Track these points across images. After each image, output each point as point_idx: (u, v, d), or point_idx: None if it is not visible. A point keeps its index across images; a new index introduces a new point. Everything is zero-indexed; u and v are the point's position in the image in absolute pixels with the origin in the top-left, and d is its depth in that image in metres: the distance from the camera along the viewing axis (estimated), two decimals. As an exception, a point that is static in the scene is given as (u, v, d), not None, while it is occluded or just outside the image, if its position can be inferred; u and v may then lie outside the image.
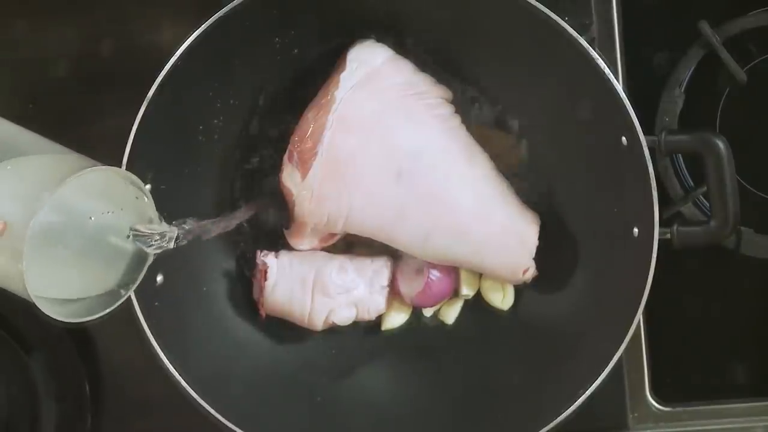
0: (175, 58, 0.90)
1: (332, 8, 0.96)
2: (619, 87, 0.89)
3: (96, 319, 0.81)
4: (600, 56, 0.90)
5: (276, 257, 0.98)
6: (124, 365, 1.06)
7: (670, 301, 1.01)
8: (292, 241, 0.99)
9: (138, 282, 0.84)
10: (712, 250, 0.99)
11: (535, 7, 0.90)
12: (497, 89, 1.00)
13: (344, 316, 0.99)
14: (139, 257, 0.83)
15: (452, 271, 1.00)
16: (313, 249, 0.99)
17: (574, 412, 0.90)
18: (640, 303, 0.89)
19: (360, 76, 0.94)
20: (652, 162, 0.89)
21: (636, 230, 0.91)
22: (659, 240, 0.89)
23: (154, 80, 0.90)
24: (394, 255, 1.00)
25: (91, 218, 0.81)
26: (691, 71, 1.04)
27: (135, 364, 1.03)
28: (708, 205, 0.95)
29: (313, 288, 0.97)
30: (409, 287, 1.00)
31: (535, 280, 0.98)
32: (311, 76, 0.98)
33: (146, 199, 0.82)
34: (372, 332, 1.02)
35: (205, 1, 0.92)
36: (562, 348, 0.96)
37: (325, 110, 0.93)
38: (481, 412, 0.96)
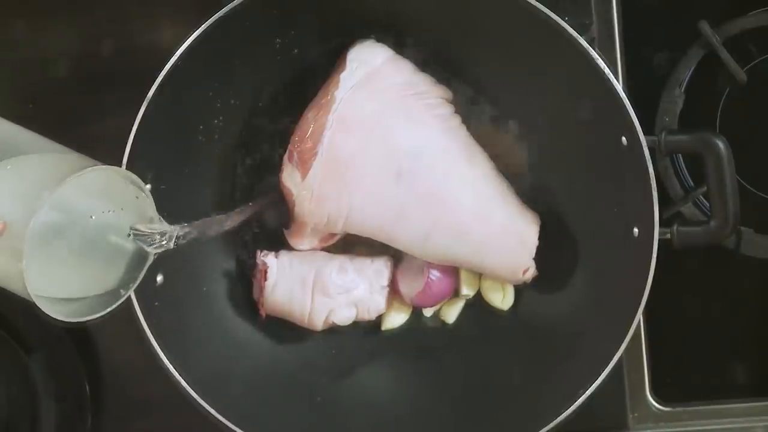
0: (175, 58, 0.90)
1: (332, 8, 0.96)
2: (619, 87, 0.89)
3: (96, 318, 0.81)
4: (600, 56, 0.90)
5: (276, 257, 0.98)
6: (124, 365, 1.06)
7: (670, 301, 1.01)
8: (292, 241, 0.99)
9: (138, 281, 0.84)
10: (712, 250, 0.99)
11: (535, 7, 0.90)
12: (497, 89, 1.00)
13: (344, 316, 0.99)
14: (140, 257, 0.83)
15: (452, 271, 1.00)
16: (313, 249, 0.99)
17: (574, 412, 0.90)
18: (640, 303, 0.89)
19: (360, 76, 0.94)
20: (652, 162, 0.89)
21: (636, 230, 0.91)
22: (659, 240, 0.89)
23: (154, 80, 0.90)
24: (394, 255, 1.00)
25: (91, 217, 0.81)
26: (691, 71, 1.04)
27: (135, 364, 1.03)
28: (708, 205, 0.95)
29: (313, 288, 0.97)
30: (409, 287, 1.00)
31: (535, 280, 0.98)
32: (311, 76, 0.98)
33: (146, 198, 0.82)
34: (372, 332, 1.02)
35: (205, 1, 0.92)
36: (562, 348, 0.96)
37: (325, 110, 0.93)
38: (482, 412, 0.96)
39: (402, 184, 0.94)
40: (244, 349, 1.00)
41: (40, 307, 0.76)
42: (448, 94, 0.98)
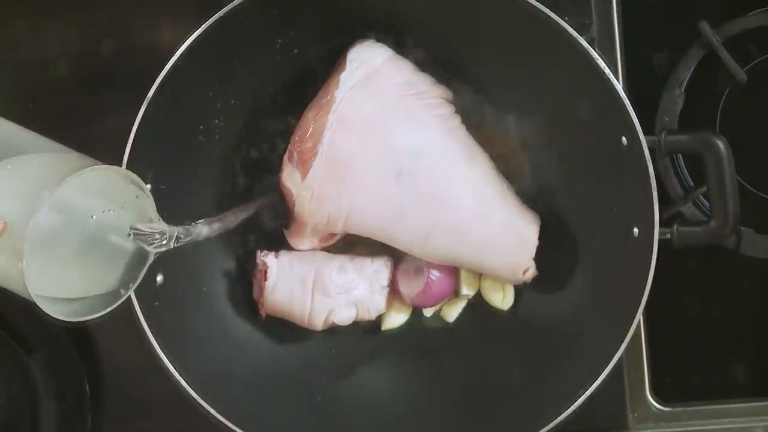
0: (175, 58, 0.90)
1: (332, 8, 0.96)
2: (619, 87, 0.89)
3: (97, 318, 0.81)
4: (600, 56, 0.90)
5: (276, 257, 0.98)
6: (124, 365, 1.06)
7: (670, 301, 1.01)
8: (292, 241, 0.99)
9: (138, 281, 0.83)
10: (712, 250, 0.99)
11: (535, 7, 0.90)
12: (497, 89, 1.00)
13: (344, 316, 0.99)
14: (140, 256, 0.83)
15: (452, 271, 1.00)
16: (313, 249, 0.99)
17: (574, 412, 0.90)
18: (640, 303, 0.89)
19: (360, 76, 0.94)
20: (652, 162, 0.89)
21: (636, 230, 0.91)
22: (659, 240, 0.89)
23: (154, 80, 0.90)
24: (394, 255, 1.00)
25: (91, 217, 0.81)
26: (691, 71, 1.04)
27: (135, 364, 1.03)
28: (708, 205, 0.95)
29: (313, 288, 0.98)
30: (409, 287, 1.00)
31: (535, 280, 0.98)
32: (311, 76, 0.98)
33: (147, 198, 0.82)
34: (372, 332, 1.02)
35: (205, 1, 0.92)
36: (562, 348, 0.96)
37: (325, 110, 0.93)
38: (482, 412, 0.96)
39: (402, 184, 0.94)
40: (244, 349, 1.00)
41: (41, 306, 0.76)
42: (448, 94, 0.98)
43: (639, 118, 0.89)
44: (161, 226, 0.83)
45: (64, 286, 0.80)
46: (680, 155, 1.04)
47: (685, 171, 1.05)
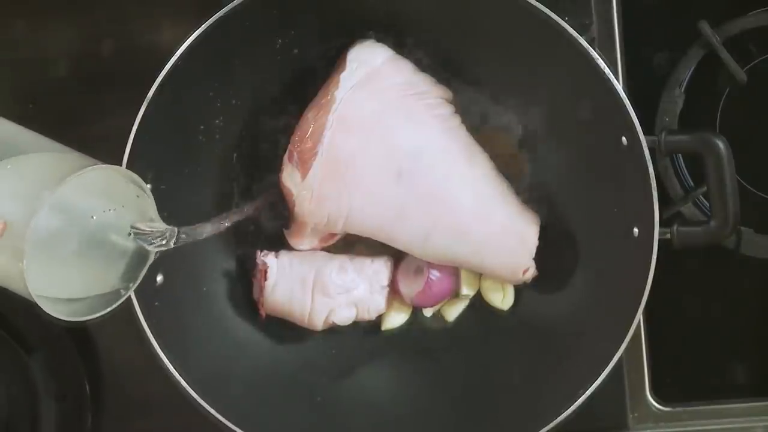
0: (175, 58, 0.90)
1: (332, 8, 0.96)
2: (619, 87, 0.90)
3: (97, 317, 0.81)
4: (600, 56, 0.90)
5: (276, 257, 0.98)
6: (124, 365, 1.06)
7: (670, 301, 1.01)
8: (292, 241, 0.99)
9: (139, 281, 0.83)
10: (712, 250, 0.99)
11: (535, 7, 0.90)
12: (497, 89, 1.00)
13: (344, 316, 0.99)
14: (140, 256, 0.83)
15: (452, 271, 1.00)
16: (313, 249, 0.99)
17: (574, 412, 0.90)
18: (640, 303, 0.89)
19: (360, 76, 0.94)
20: (652, 162, 0.89)
21: (636, 230, 0.91)
22: (659, 240, 0.89)
23: (154, 80, 0.90)
24: (394, 255, 1.00)
25: (92, 217, 0.81)
26: (691, 71, 1.04)
27: (135, 364, 1.03)
28: (708, 205, 0.95)
29: (313, 288, 0.98)
30: (409, 287, 1.00)
31: (535, 280, 0.98)
32: (311, 76, 0.98)
33: (147, 197, 0.82)
34: (372, 332, 1.02)
35: (205, 1, 0.92)
36: (562, 348, 0.96)
37: (325, 110, 0.93)
38: (482, 412, 0.96)
39: (402, 184, 0.94)
40: (244, 349, 1.00)
41: (42, 306, 0.76)
42: (448, 94, 0.98)
43: (639, 118, 0.89)
44: (162, 225, 0.83)
45: (64, 286, 0.80)
46: (680, 155, 1.04)
47: (685, 171, 1.05)
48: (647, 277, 0.88)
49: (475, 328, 1.02)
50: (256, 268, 0.99)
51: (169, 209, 0.85)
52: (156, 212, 0.83)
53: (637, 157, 0.89)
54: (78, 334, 1.04)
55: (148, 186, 0.84)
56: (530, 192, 1.00)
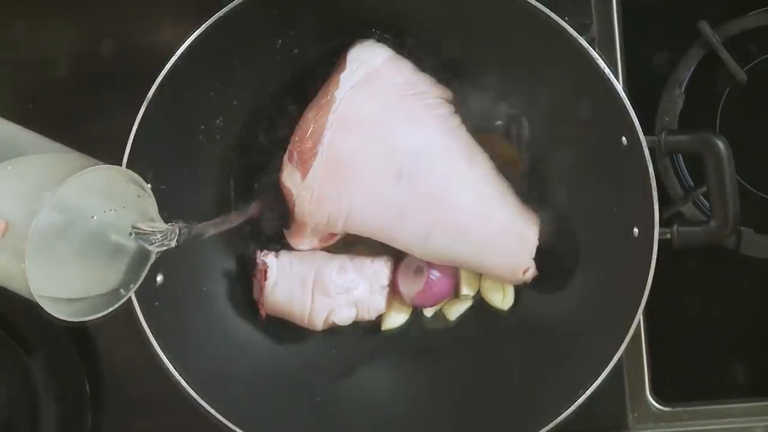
0: (175, 58, 0.90)
1: (332, 8, 0.96)
2: (619, 87, 0.89)
3: (98, 318, 0.81)
4: (600, 56, 0.90)
5: (276, 257, 0.98)
6: (124, 365, 1.06)
7: (670, 301, 1.01)
8: (292, 241, 0.99)
9: (140, 281, 0.84)
10: (712, 250, 0.99)
11: (535, 7, 0.90)
12: (497, 89, 1.00)
13: (344, 316, 0.99)
14: (141, 256, 0.83)
15: (452, 271, 1.00)
16: (313, 249, 0.99)
17: (574, 412, 0.90)
18: (640, 303, 0.89)
19: (360, 76, 0.94)
20: (652, 162, 0.89)
21: (636, 230, 0.91)
22: (659, 240, 0.89)
23: (154, 80, 0.90)
24: (394, 255, 1.00)
25: (92, 217, 0.81)
26: (691, 71, 1.04)
27: (135, 364, 1.03)
28: (708, 205, 0.95)
29: (313, 288, 0.97)
30: (409, 287, 1.00)
31: (535, 280, 0.98)
32: (311, 76, 0.98)
33: (148, 197, 0.82)
34: (372, 332, 1.02)
35: (205, 1, 0.92)
36: (562, 348, 0.96)
37: (325, 110, 0.93)
38: (482, 412, 0.96)
39: (402, 184, 0.94)
40: (244, 349, 1.00)
41: (43, 307, 0.76)
42: (448, 94, 0.98)
43: (639, 118, 0.89)
44: (162, 225, 0.83)
45: (65, 287, 0.80)
46: (680, 155, 1.04)
47: (685, 171, 1.05)
48: (647, 277, 0.88)
49: (475, 328, 1.02)
50: (256, 268, 0.99)
51: (169, 209, 0.85)
52: (157, 212, 0.83)
53: (637, 157, 0.89)
54: (78, 334, 1.04)
55: (148, 186, 0.84)
56: (530, 192, 0.99)
